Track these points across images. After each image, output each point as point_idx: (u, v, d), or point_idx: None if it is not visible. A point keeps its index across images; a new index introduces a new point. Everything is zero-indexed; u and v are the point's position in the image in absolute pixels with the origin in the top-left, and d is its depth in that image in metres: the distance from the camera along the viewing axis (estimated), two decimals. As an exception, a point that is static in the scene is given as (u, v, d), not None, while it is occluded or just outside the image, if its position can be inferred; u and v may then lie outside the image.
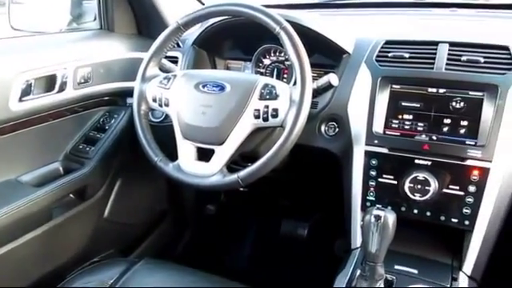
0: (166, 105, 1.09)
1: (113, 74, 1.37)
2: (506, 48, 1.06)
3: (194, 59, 1.35)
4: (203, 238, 1.89)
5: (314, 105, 1.14)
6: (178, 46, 1.38)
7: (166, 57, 1.19)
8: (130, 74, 1.28)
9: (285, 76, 1.35)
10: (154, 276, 1.06)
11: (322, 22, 1.21)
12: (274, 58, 1.35)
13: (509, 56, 1.04)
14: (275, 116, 0.98)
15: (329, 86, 1.03)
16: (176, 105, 1.08)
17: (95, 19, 1.48)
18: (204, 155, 1.05)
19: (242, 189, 1.65)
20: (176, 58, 1.37)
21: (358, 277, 0.92)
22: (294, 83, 0.98)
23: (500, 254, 1.06)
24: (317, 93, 1.04)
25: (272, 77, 1.34)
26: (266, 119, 0.98)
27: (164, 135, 1.13)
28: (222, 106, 1.02)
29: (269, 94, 0.99)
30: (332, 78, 1.02)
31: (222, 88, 1.04)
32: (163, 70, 1.19)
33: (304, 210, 1.84)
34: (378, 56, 1.13)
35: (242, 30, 1.27)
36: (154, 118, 1.35)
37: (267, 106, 0.98)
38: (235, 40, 1.39)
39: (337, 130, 1.16)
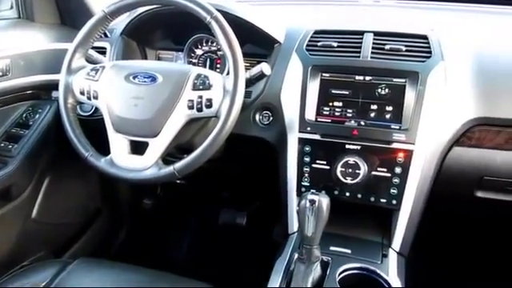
0: (95, 97, 1.05)
1: (35, 67, 1.30)
2: (424, 37, 1.13)
3: (123, 50, 1.31)
4: (141, 234, 1.86)
5: (247, 94, 1.15)
6: (106, 35, 1.33)
7: (93, 47, 1.14)
8: (55, 66, 1.21)
9: (218, 66, 1.34)
10: (91, 275, 1.02)
11: (253, 11, 1.22)
12: (207, 48, 1.34)
13: (427, 44, 1.11)
14: (209, 106, 0.97)
15: (261, 75, 1.04)
16: (106, 97, 1.04)
17: (12, 7, 1.38)
18: (138, 148, 1.02)
19: (179, 181, 1.63)
20: (104, 48, 1.32)
21: (295, 260, 0.95)
22: (228, 73, 0.98)
23: (425, 230, 1.14)
24: (250, 82, 1.05)
25: (205, 67, 1.34)
26: (200, 110, 0.98)
27: (94, 129, 1.09)
28: (155, 98, 1.00)
29: (202, 84, 0.98)
30: (264, 68, 1.04)
31: (154, 79, 1.02)
32: (90, 61, 1.14)
33: (243, 200, 1.86)
34: (308, 45, 1.16)
35: (172, 20, 1.24)
36: (82, 111, 1.29)
37: (201, 97, 0.97)
38: (166, 30, 1.36)
39: (271, 118, 1.18)
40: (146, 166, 0.99)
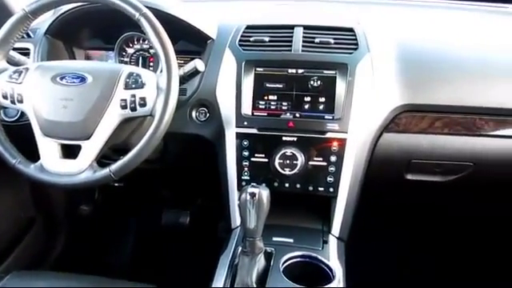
0: (20, 101, 0.99)
1: None
2: (351, 30, 1.18)
3: (49, 50, 1.25)
4: (80, 242, 1.78)
5: (182, 92, 1.14)
6: (29, 36, 1.26)
7: (15, 48, 1.07)
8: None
9: (151, 64, 1.32)
10: (27, 288, 0.97)
11: (183, 8, 1.21)
12: (138, 47, 1.31)
13: (354, 37, 1.16)
14: (143, 105, 0.95)
15: (195, 72, 1.04)
16: (31, 100, 0.99)
17: None
18: (70, 152, 0.98)
19: (117, 184, 1.58)
20: (27, 49, 1.25)
21: (239, 253, 0.96)
22: (161, 71, 0.97)
23: (362, 215, 1.19)
24: (184, 79, 1.04)
25: (138, 66, 1.30)
26: (133, 109, 0.96)
27: (22, 135, 1.02)
28: (85, 99, 0.96)
29: (134, 82, 0.96)
30: (198, 64, 1.03)
31: (83, 79, 0.98)
32: (12, 63, 1.08)
33: (185, 199, 1.84)
34: (240, 40, 1.17)
35: (100, 18, 1.20)
36: (7, 116, 1.22)
37: (134, 96, 0.95)
38: (94, 28, 1.31)
39: (208, 115, 1.18)
40: (80, 169, 0.96)
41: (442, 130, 1.13)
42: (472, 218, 1.63)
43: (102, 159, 1.01)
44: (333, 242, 1.09)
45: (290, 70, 1.11)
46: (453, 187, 1.22)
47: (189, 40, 1.22)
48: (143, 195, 1.82)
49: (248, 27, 1.20)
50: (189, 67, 1.03)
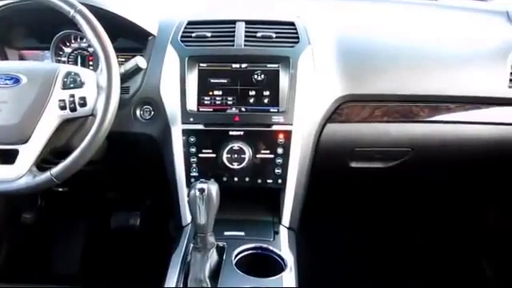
0: None
1: None
2: (292, 24, 1.20)
3: (-23, 51, 1.18)
4: (24, 251, 1.70)
5: (125, 90, 1.12)
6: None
7: None
8: None
9: (91, 63, 1.28)
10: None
11: (121, 4, 1.18)
12: (76, 45, 1.27)
13: (295, 31, 1.18)
14: (83, 105, 0.93)
15: (137, 69, 1.02)
16: None
17: None
18: (7, 157, 0.94)
19: (61, 189, 1.52)
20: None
21: (191, 250, 0.96)
22: (101, 70, 0.94)
23: (312, 204, 1.22)
24: (126, 77, 1.02)
25: (76, 65, 1.26)
26: (73, 109, 0.93)
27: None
28: (20, 101, 0.92)
29: (73, 82, 0.93)
30: (139, 61, 1.02)
31: (17, 80, 0.94)
32: None
33: (134, 199, 1.80)
34: (182, 36, 1.16)
35: (34, 16, 1.15)
36: None
37: (73, 95, 0.92)
38: (28, 27, 1.25)
39: (152, 112, 1.16)
40: (19, 175, 0.92)
41: (381, 118, 1.19)
42: (415, 203, 1.72)
43: (43, 163, 0.97)
44: (283, 233, 1.11)
45: (233, 65, 1.12)
46: (394, 173, 1.28)
47: (129, 37, 1.20)
48: (90, 199, 1.77)
49: (189, 23, 1.20)
50: (130, 64, 1.02)
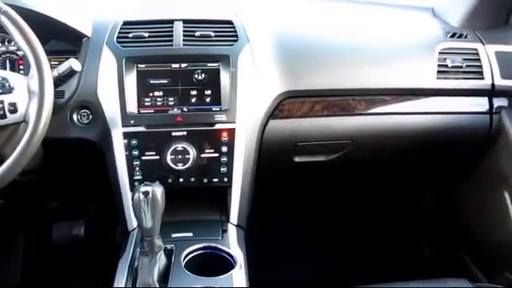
0: None
1: None
2: (230, 22, 1.21)
3: None
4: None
5: (60, 94, 1.08)
6: None
7: None
8: None
9: (21, 68, 1.21)
10: None
11: (52, 5, 1.13)
12: (4, 49, 1.20)
13: (233, 29, 1.19)
14: (14, 111, 0.88)
15: (71, 72, 0.98)
16: None
17: None
18: None
19: (-5, 202, 1.43)
20: None
21: (138, 255, 0.94)
22: (33, 74, 0.90)
23: (258, 201, 1.24)
24: (60, 81, 0.98)
25: (5, 69, 1.19)
26: (3, 116, 0.88)
27: None
28: None
29: (1, 87, 0.88)
30: (73, 64, 0.98)
31: None
32: None
33: (77, 208, 1.73)
34: (118, 37, 1.13)
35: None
36: None
37: (2, 102, 0.87)
38: None
39: (90, 116, 1.12)
40: None
41: (321, 112, 1.22)
42: (358, 193, 1.78)
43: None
44: (232, 231, 1.12)
45: (173, 65, 1.11)
46: (336, 165, 1.32)
47: (61, 39, 1.15)
48: (28, 211, 1.68)
49: (125, 23, 1.17)
50: (63, 67, 0.97)
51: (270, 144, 1.20)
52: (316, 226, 1.85)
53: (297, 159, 1.28)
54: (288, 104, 1.20)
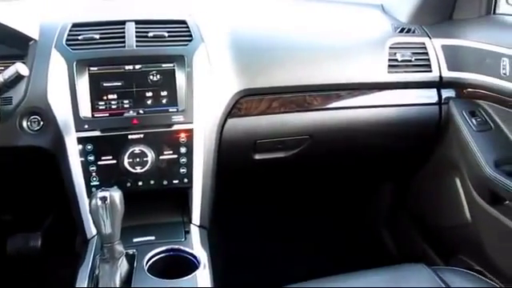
0: None
1: None
2: (184, 22, 1.20)
3: None
4: None
5: (6, 100, 1.04)
6: None
7: None
8: None
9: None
10: None
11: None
12: None
13: (187, 29, 1.18)
14: None
15: (18, 77, 0.94)
16: None
17: None
18: None
19: None
20: None
21: (99, 262, 0.91)
22: None
23: (220, 200, 1.23)
24: (6, 87, 0.94)
25: None
26: None
27: None
28: None
29: None
30: (20, 68, 0.94)
31: None
32: None
33: (33, 219, 1.67)
34: (68, 40, 1.10)
35: None
36: None
37: None
38: None
39: (41, 123, 1.08)
40: None
41: (279, 109, 1.24)
42: (320, 185, 1.81)
43: None
44: (195, 231, 1.11)
45: (126, 67, 1.09)
46: (296, 161, 1.34)
47: (5, 42, 1.10)
48: None
49: (74, 25, 1.13)
50: (9, 72, 0.93)
51: (230, 143, 1.20)
52: (279, 219, 1.86)
53: (257, 157, 1.29)
54: (245, 102, 1.20)
